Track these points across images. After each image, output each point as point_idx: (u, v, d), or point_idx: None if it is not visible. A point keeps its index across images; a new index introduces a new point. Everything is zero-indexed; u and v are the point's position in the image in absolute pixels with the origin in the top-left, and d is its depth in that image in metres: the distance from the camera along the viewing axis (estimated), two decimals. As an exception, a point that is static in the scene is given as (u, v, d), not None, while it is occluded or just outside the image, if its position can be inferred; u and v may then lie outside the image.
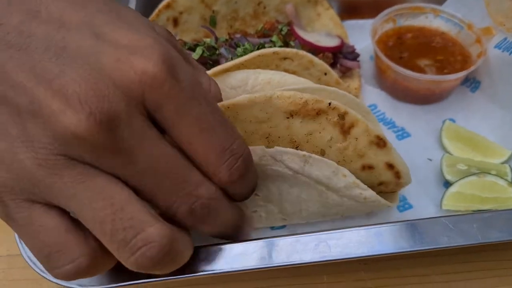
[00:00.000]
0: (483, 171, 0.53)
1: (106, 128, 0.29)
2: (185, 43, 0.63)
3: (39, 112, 0.29)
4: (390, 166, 0.45)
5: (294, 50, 0.52)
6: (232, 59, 0.60)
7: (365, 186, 0.44)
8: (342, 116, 0.41)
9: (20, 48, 0.30)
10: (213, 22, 0.68)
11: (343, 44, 0.65)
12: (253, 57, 0.50)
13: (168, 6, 0.65)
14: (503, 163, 0.55)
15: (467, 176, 0.53)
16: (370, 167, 0.45)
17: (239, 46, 0.61)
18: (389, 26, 0.66)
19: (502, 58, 0.58)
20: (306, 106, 0.41)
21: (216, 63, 0.60)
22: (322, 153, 0.43)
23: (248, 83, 0.47)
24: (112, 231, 0.30)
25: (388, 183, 0.47)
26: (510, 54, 0.56)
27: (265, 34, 0.65)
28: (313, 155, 0.41)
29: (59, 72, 0.29)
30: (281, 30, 0.65)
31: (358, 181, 0.43)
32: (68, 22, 0.31)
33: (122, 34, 0.31)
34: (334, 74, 0.55)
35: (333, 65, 0.64)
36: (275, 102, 0.40)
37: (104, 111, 0.29)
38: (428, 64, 0.62)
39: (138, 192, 0.32)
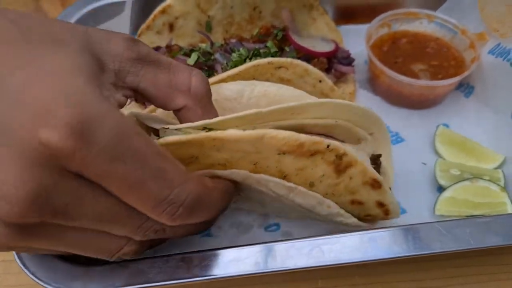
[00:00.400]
0: (476, 176, 0.54)
1: (36, 205, 0.29)
2: (180, 48, 0.63)
3: None
4: (381, 204, 0.44)
5: (289, 59, 0.52)
6: (227, 64, 0.60)
7: (349, 215, 0.43)
8: (340, 157, 0.40)
9: None
10: (208, 27, 0.68)
11: (337, 49, 0.66)
12: (248, 67, 0.50)
13: (163, 11, 0.66)
14: (496, 168, 0.55)
15: (460, 181, 0.53)
16: (360, 203, 0.44)
17: (234, 52, 0.61)
18: (384, 31, 0.67)
19: (496, 64, 0.58)
20: (301, 148, 0.38)
21: (211, 68, 0.60)
22: (311, 185, 0.42)
23: (244, 95, 0.47)
24: None
25: (375, 216, 0.46)
26: (503, 59, 0.57)
27: (260, 39, 0.66)
28: (299, 187, 0.40)
29: None
30: (276, 35, 0.65)
31: (342, 211, 0.43)
32: None
33: (29, 86, 0.29)
34: (328, 81, 0.56)
35: (327, 70, 0.64)
36: (267, 141, 0.37)
37: (30, 191, 0.28)
38: (422, 69, 0.63)
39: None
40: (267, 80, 0.55)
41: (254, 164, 0.39)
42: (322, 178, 0.41)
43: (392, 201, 0.44)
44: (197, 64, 0.60)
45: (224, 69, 0.60)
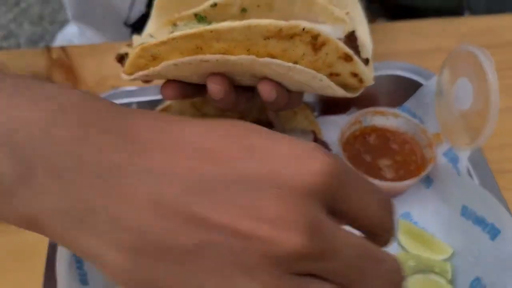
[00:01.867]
0: (428, 268, 0.63)
1: (312, 238, 0.30)
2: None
3: (250, 244, 0.29)
4: (355, 74, 0.55)
5: None
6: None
7: (337, 87, 0.55)
8: (315, 37, 0.50)
9: (203, 191, 0.29)
10: (203, 121, 0.78)
11: (315, 141, 0.75)
12: None
13: (164, 109, 0.76)
14: (446, 260, 0.65)
15: (414, 274, 0.63)
16: (337, 75, 0.55)
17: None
18: (356, 127, 0.77)
19: (447, 169, 0.68)
20: (281, 32, 0.49)
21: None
22: (295, 63, 0.51)
23: None
24: None
25: (352, 85, 0.57)
26: (452, 167, 0.67)
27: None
28: (297, 65, 0.50)
29: (250, 202, 0.29)
30: (262, 131, 0.75)
31: (332, 84, 0.54)
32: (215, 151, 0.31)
33: (276, 144, 0.31)
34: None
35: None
36: (253, 29, 0.48)
37: (305, 224, 0.30)
38: (387, 164, 0.73)
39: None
40: None
41: (247, 50, 0.50)
42: (304, 57, 0.52)
43: (364, 71, 0.54)
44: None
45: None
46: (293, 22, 0.49)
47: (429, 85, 0.75)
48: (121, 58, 0.59)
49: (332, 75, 0.55)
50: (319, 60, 0.52)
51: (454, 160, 0.68)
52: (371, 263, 0.32)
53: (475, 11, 1.80)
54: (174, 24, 0.60)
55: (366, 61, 0.59)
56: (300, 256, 0.29)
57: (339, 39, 0.54)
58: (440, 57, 0.93)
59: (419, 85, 0.78)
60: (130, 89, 0.77)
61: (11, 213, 0.31)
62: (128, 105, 0.76)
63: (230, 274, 0.29)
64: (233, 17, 0.59)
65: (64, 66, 0.91)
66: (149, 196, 0.29)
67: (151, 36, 0.59)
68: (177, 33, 0.49)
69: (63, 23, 2.47)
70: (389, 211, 0.36)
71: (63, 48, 0.94)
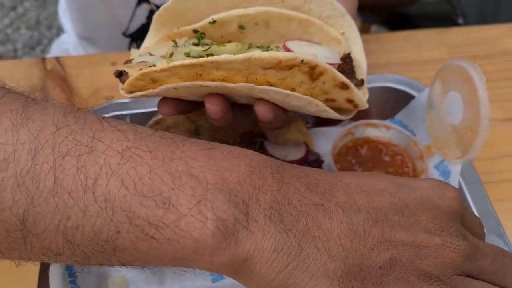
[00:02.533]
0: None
1: (468, 241, 0.39)
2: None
3: (428, 252, 0.37)
4: (350, 100, 0.57)
5: None
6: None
7: (332, 111, 0.57)
8: (313, 68, 0.51)
9: (380, 217, 0.38)
10: (196, 133, 0.78)
11: (308, 154, 0.76)
12: None
13: (157, 122, 0.76)
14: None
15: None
16: (333, 100, 0.57)
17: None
18: (348, 138, 0.77)
19: (439, 181, 0.68)
20: (280, 64, 0.50)
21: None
22: (293, 90, 0.54)
23: None
24: None
25: (346, 109, 0.60)
26: (445, 179, 0.67)
27: (242, 147, 0.76)
28: (294, 92, 0.53)
29: (417, 221, 0.38)
30: (255, 143, 0.76)
31: (327, 108, 0.56)
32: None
33: (416, 180, 0.43)
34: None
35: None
36: (253, 61, 0.50)
37: (460, 232, 0.39)
38: (380, 176, 0.73)
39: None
40: None
41: (246, 77, 0.53)
42: (301, 85, 0.54)
43: (359, 97, 0.57)
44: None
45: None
46: (291, 55, 0.50)
47: (421, 97, 0.75)
48: (120, 74, 0.60)
49: (327, 101, 0.56)
50: (316, 87, 0.54)
51: (445, 173, 0.68)
52: (509, 259, 0.41)
53: (468, 18, 1.81)
54: (173, 40, 0.61)
55: (361, 82, 0.60)
56: (465, 256, 0.38)
57: (333, 64, 0.56)
58: (432, 68, 0.93)
59: (411, 97, 0.78)
60: (124, 101, 0.77)
61: (222, 257, 0.34)
62: (122, 117, 0.76)
63: (415, 280, 0.36)
64: (231, 35, 0.60)
65: (58, 77, 0.91)
66: (342, 226, 0.36)
67: (150, 54, 0.59)
68: (177, 62, 0.51)
69: (60, 28, 2.46)
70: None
71: (57, 59, 0.94)
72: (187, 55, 0.57)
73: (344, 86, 0.54)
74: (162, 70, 0.52)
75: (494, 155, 0.79)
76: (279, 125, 0.59)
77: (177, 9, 0.61)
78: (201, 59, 0.50)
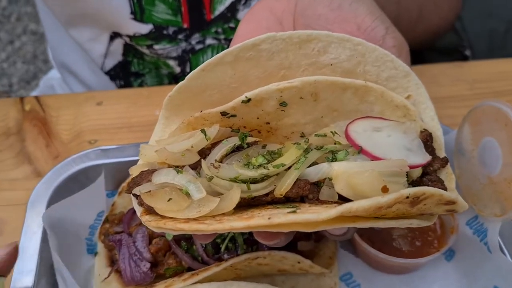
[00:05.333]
0: None
1: None
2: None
3: None
4: (450, 210, 0.45)
5: (266, 252, 0.53)
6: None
7: (417, 222, 0.44)
8: (418, 197, 0.40)
9: None
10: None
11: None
12: (225, 267, 0.51)
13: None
14: None
15: None
16: (431, 214, 0.45)
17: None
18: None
19: (473, 241, 0.58)
20: (380, 209, 0.40)
21: (190, 242, 0.60)
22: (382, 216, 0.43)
23: None
24: None
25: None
26: (480, 240, 0.57)
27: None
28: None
29: None
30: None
31: (415, 222, 0.44)
32: None
33: None
34: (306, 261, 0.57)
35: (307, 236, 0.63)
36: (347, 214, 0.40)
37: None
38: (401, 234, 0.63)
39: None
40: (245, 267, 0.55)
41: None
42: (394, 210, 0.42)
43: (462, 205, 0.44)
44: (175, 237, 0.60)
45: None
46: (395, 195, 0.39)
47: (447, 141, 0.66)
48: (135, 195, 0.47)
49: (422, 215, 0.45)
50: (413, 209, 0.43)
51: (480, 231, 0.58)
52: None
53: (476, 51, 1.74)
54: (194, 128, 0.49)
55: (445, 162, 0.50)
56: None
57: (423, 164, 0.46)
58: (452, 105, 0.85)
59: (434, 140, 0.68)
60: (106, 148, 0.68)
61: None
62: (104, 165, 0.66)
63: None
64: (270, 114, 0.49)
65: (37, 118, 0.82)
66: None
67: (177, 170, 0.46)
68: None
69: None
70: None
71: (37, 98, 0.85)
72: (234, 180, 0.44)
73: (449, 203, 0.43)
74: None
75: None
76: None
77: (195, 87, 0.48)
78: (275, 221, 0.39)
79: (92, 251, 0.64)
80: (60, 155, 0.77)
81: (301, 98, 0.47)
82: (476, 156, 0.58)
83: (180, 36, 0.84)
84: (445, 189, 0.46)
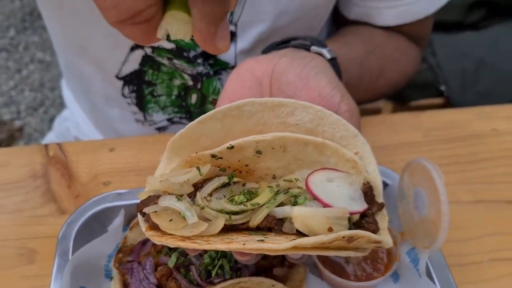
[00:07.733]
0: None
1: None
2: (161, 248, 0.78)
3: None
4: (378, 244, 0.59)
5: (247, 278, 0.68)
6: (200, 265, 0.75)
7: (354, 254, 0.59)
8: (352, 236, 0.55)
9: None
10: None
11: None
12: None
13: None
14: None
15: None
16: (362, 248, 0.60)
17: (206, 253, 0.76)
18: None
19: (409, 268, 0.74)
20: (323, 244, 0.55)
21: (187, 269, 0.75)
22: (326, 248, 0.57)
23: None
24: None
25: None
26: (414, 266, 0.72)
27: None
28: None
29: None
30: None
31: (352, 254, 0.58)
32: None
33: None
34: (279, 284, 0.72)
35: (282, 262, 0.79)
36: (298, 247, 0.55)
37: None
38: (355, 262, 0.78)
39: None
40: None
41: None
42: (336, 244, 0.57)
43: (387, 242, 0.59)
44: (175, 265, 0.75)
45: (197, 268, 0.75)
46: (334, 235, 0.54)
47: (394, 186, 0.82)
48: (143, 213, 0.62)
49: (357, 249, 0.60)
50: (350, 245, 0.58)
51: (415, 260, 0.73)
52: None
53: (450, 87, 1.91)
54: (197, 167, 0.63)
55: (381, 206, 0.65)
56: None
57: (360, 211, 0.60)
58: (408, 151, 1.01)
59: (385, 185, 0.84)
60: (119, 192, 0.83)
61: None
62: (118, 208, 0.82)
63: None
64: (248, 159, 0.64)
65: (59, 162, 0.98)
66: None
67: (178, 198, 0.60)
68: (220, 246, 0.55)
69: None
70: None
71: (59, 145, 1.01)
72: (220, 211, 0.59)
73: (376, 242, 0.58)
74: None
75: (462, 238, 0.84)
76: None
77: (193, 135, 0.64)
78: (247, 246, 0.54)
79: (108, 276, 0.79)
80: (80, 194, 0.93)
81: (272, 148, 0.63)
82: (412, 200, 0.74)
83: (199, 61, 0.97)
84: (377, 229, 0.62)
